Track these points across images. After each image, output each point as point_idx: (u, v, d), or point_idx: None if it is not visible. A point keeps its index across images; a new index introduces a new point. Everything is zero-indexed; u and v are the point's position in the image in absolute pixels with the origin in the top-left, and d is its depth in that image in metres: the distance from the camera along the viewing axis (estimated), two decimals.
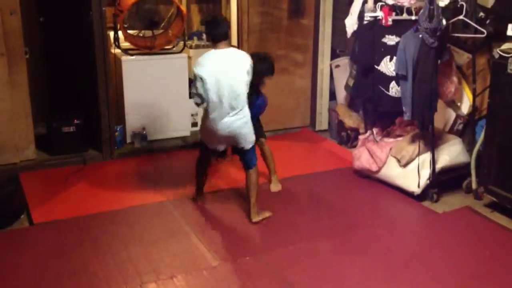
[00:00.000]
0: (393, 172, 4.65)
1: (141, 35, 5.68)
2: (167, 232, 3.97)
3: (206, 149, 4.23)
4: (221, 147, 4.18)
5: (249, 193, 4.09)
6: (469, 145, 4.66)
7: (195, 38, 6.21)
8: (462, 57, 4.67)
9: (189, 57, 5.86)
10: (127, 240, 3.86)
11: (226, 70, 3.82)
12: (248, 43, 5.84)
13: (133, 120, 5.55)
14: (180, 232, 3.98)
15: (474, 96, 4.57)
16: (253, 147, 4.05)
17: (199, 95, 3.88)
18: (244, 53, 4.05)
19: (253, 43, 5.85)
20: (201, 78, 3.81)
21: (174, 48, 5.76)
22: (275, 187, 4.67)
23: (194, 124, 5.93)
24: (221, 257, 3.65)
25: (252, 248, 3.80)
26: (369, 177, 4.87)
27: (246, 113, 3.94)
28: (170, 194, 4.57)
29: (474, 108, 4.62)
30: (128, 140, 5.59)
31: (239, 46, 5.96)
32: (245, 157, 4.06)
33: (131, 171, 5.13)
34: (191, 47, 6.00)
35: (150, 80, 5.55)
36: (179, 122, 5.79)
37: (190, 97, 4.10)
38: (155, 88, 5.60)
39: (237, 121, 3.90)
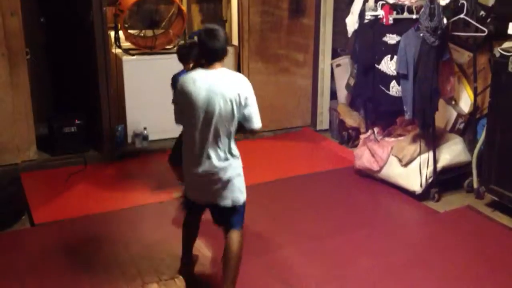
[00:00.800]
0: (394, 171, 4.65)
1: (142, 35, 5.69)
2: (169, 233, 3.96)
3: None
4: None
5: (226, 268, 3.03)
6: (470, 144, 4.65)
7: (195, 37, 6.17)
8: (463, 56, 4.67)
9: None
10: (128, 240, 3.86)
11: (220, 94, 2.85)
12: (249, 42, 5.84)
13: (134, 120, 5.55)
14: (180, 233, 3.97)
15: (475, 95, 4.57)
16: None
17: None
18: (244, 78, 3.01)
19: (254, 43, 5.85)
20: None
21: (175, 48, 5.74)
22: None
23: None
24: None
25: (254, 249, 3.78)
26: (370, 177, 4.87)
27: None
28: (171, 195, 4.56)
29: (475, 107, 4.61)
30: (129, 140, 5.59)
31: (240, 46, 5.97)
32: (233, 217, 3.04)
33: (132, 171, 5.13)
34: None
35: (151, 80, 5.55)
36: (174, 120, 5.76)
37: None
38: (156, 88, 5.58)
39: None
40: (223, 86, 2.83)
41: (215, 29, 2.90)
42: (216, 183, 2.93)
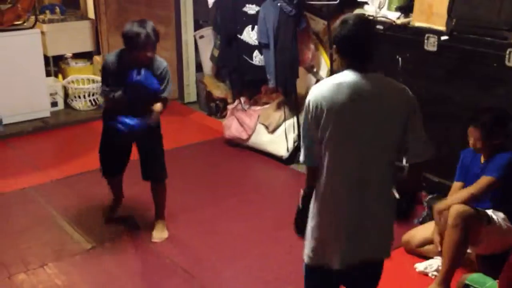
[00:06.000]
0: (262, 139, 4.79)
1: None
2: (33, 220, 3.75)
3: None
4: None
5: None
6: None
7: (47, 11, 5.82)
8: (318, 24, 4.88)
9: (43, 33, 5.49)
10: None
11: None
12: (106, 15, 5.59)
13: None
14: (48, 219, 3.78)
15: (332, 61, 4.81)
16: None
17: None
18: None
19: (112, 16, 5.62)
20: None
21: (25, 24, 5.34)
22: (159, 234, 3.58)
23: (54, 104, 5.61)
24: (94, 239, 3.53)
25: (127, 226, 3.71)
26: (240, 146, 4.97)
27: None
28: (33, 180, 4.30)
29: (332, 72, 4.86)
30: None
31: (97, 19, 5.70)
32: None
33: None
34: (44, 22, 5.63)
35: (1, 59, 5.12)
36: (37, 102, 5.43)
37: None
38: (7, 67, 5.18)
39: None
40: None
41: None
42: None
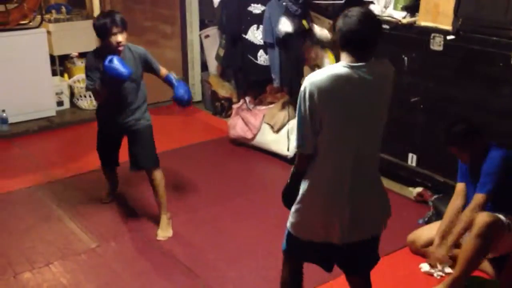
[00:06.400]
0: (267, 138, 4.79)
1: None
2: (38, 219, 3.76)
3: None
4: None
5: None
6: None
7: (53, 11, 5.84)
8: (324, 24, 4.87)
9: (49, 32, 5.50)
10: None
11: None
12: None
13: None
14: (53, 217, 3.79)
15: (337, 60, 4.81)
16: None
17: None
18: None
19: None
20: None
21: (31, 23, 5.36)
22: (164, 232, 3.60)
23: (59, 103, 5.64)
24: (100, 238, 3.54)
25: (132, 225, 3.72)
26: (245, 145, 4.97)
27: None
28: (38, 179, 4.32)
29: None
30: None
31: None
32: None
33: None
34: (49, 21, 5.64)
35: (7, 58, 5.15)
36: (43, 102, 5.45)
37: None
38: (13, 67, 5.20)
39: None
40: None
41: None
42: None
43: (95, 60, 3.42)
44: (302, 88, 2.12)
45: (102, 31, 3.32)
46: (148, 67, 3.60)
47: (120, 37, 3.33)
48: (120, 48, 3.35)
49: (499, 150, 3.00)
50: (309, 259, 2.41)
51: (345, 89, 2.08)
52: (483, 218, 2.85)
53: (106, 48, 3.36)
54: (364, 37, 2.10)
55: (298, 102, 2.14)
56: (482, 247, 2.83)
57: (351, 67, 2.08)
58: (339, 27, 2.13)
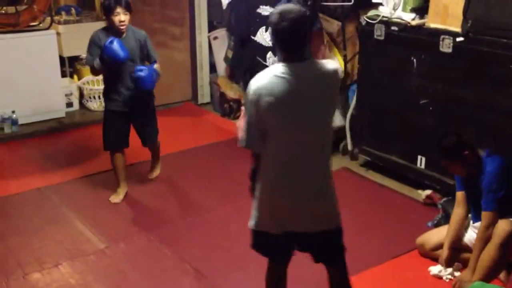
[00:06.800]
0: None
1: (3, 12, 5.26)
2: (48, 219, 3.78)
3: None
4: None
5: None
6: (343, 109, 4.90)
7: (63, 13, 5.87)
8: (332, 25, 4.87)
9: (58, 34, 5.54)
10: (4, 231, 3.63)
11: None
12: None
13: (1, 103, 5.16)
14: (62, 218, 3.81)
15: (345, 62, 4.80)
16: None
17: None
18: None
19: None
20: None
21: (40, 25, 5.40)
22: (155, 173, 4.38)
23: (69, 105, 5.67)
24: (108, 239, 3.55)
25: (141, 226, 3.73)
26: None
27: None
28: (48, 180, 4.34)
29: (346, 73, 4.85)
30: None
31: None
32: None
33: (3, 158, 4.79)
34: (59, 23, 5.68)
35: (17, 59, 5.19)
36: (52, 103, 5.48)
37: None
38: (23, 68, 5.24)
39: None
40: None
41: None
42: None
43: (99, 37, 3.73)
44: (247, 91, 2.23)
45: (107, 9, 3.68)
46: (144, 51, 3.87)
47: (123, 17, 3.66)
48: (122, 27, 3.69)
49: (494, 160, 2.98)
50: (271, 252, 2.50)
51: (282, 89, 2.16)
52: (504, 226, 2.83)
53: (111, 28, 3.71)
54: (289, 36, 2.16)
55: (247, 104, 2.24)
56: (502, 257, 2.83)
57: (287, 67, 2.17)
58: (273, 28, 2.20)
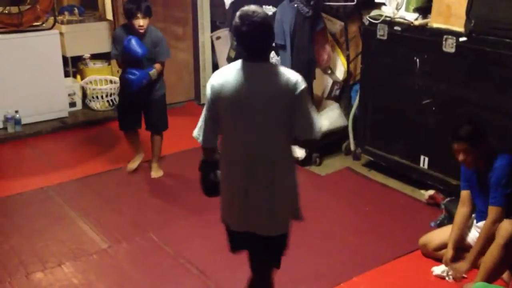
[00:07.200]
0: None
1: (6, 12, 5.26)
2: (51, 219, 3.79)
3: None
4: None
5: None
6: (346, 109, 4.90)
7: (66, 13, 5.88)
8: (335, 25, 4.86)
9: (61, 34, 5.55)
10: (8, 231, 3.64)
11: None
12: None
13: (4, 103, 5.17)
14: (65, 218, 3.82)
15: (348, 62, 4.80)
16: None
17: None
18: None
19: None
20: None
21: (44, 25, 5.41)
22: (157, 173, 4.44)
23: (72, 104, 5.68)
24: (111, 239, 3.56)
25: (143, 226, 3.73)
26: None
27: None
28: (51, 180, 4.35)
29: (349, 73, 4.85)
30: (1, 125, 5.21)
31: (115, 20, 5.75)
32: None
33: (6, 158, 4.80)
34: (62, 23, 5.69)
35: (20, 59, 5.21)
36: (55, 103, 5.49)
37: None
38: (26, 68, 5.25)
39: None
40: None
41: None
42: None
43: (121, 34, 4.09)
44: (206, 86, 2.33)
45: (128, 14, 4.01)
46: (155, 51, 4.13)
47: (142, 22, 4.00)
48: (141, 31, 4.03)
49: (506, 157, 2.97)
50: (240, 247, 2.53)
51: (231, 85, 2.22)
52: (507, 227, 2.83)
53: (130, 28, 4.05)
54: (249, 39, 2.20)
55: (206, 99, 2.32)
56: (505, 257, 2.81)
57: (244, 65, 2.23)
58: (234, 28, 2.24)
